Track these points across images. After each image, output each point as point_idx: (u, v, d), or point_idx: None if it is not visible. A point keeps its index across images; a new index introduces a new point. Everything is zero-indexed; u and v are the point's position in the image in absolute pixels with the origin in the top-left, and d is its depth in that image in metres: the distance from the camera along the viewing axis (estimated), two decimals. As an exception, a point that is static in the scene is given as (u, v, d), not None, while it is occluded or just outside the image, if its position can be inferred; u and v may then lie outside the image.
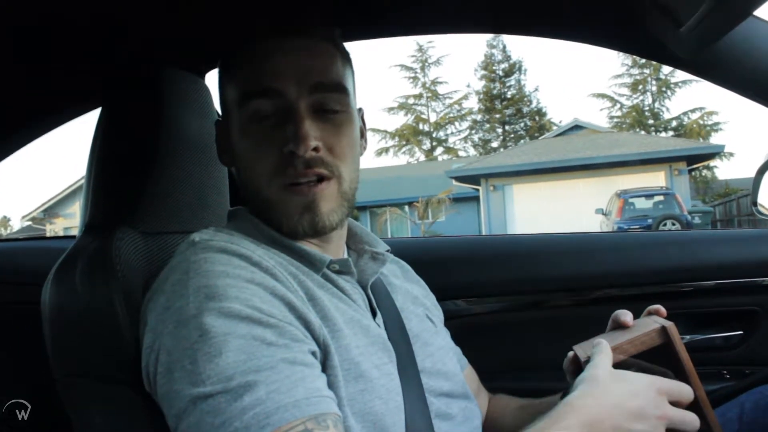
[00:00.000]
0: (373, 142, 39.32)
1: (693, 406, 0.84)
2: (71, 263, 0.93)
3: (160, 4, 1.16)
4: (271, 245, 0.89)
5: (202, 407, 0.69)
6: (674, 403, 0.82)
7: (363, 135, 1.03)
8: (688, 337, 1.54)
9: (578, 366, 0.89)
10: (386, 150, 39.27)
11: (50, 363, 0.91)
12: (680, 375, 0.86)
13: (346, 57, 0.98)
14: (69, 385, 0.90)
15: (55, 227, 24.74)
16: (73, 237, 1.08)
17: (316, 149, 0.87)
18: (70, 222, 24.35)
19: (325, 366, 0.79)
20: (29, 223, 26.14)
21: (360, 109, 1.03)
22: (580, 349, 0.91)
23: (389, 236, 12.76)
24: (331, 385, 0.78)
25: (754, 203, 1.34)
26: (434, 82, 38.84)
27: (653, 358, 0.89)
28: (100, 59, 1.31)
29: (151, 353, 0.77)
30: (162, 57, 1.34)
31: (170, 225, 1.05)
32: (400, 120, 39.55)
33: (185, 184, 1.05)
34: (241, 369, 0.70)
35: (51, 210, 25.81)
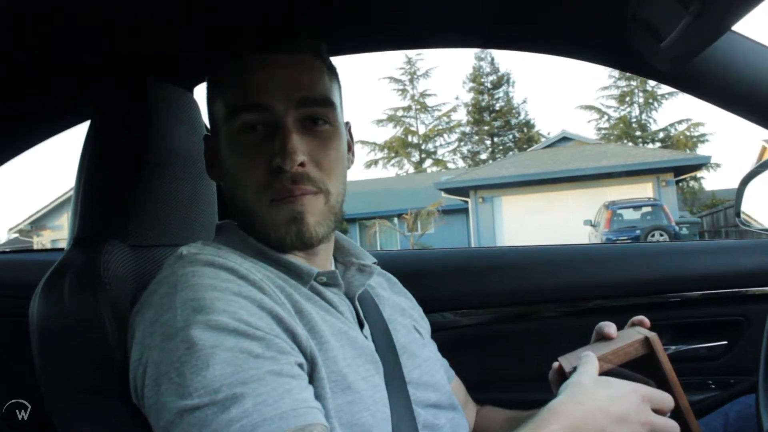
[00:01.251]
0: (362, 154, 39.39)
1: (676, 416, 0.85)
2: (59, 276, 0.93)
3: (150, 17, 1.16)
4: (258, 258, 0.90)
5: (189, 420, 0.69)
6: (657, 411, 0.83)
7: (350, 149, 1.04)
8: (673, 347, 1.55)
9: (563, 377, 0.90)
10: (375, 162, 39.32)
11: (37, 375, 0.90)
12: (663, 385, 0.87)
13: (332, 71, 0.99)
14: (56, 397, 0.90)
15: (43, 239, 24.56)
16: (61, 250, 1.08)
17: (302, 164, 0.88)
18: (58, 234, 24.17)
19: (313, 378, 0.80)
20: (16, 235, 25.91)
21: (347, 123, 1.04)
22: (566, 360, 0.92)
23: (378, 248, 12.76)
24: (319, 396, 0.78)
25: (738, 214, 1.36)
26: (423, 95, 39.00)
27: (637, 369, 0.90)
28: (89, 72, 1.31)
29: (138, 366, 0.77)
30: (151, 71, 1.34)
31: (159, 238, 1.05)
32: (389, 132, 39.69)
33: (174, 198, 1.05)
34: (228, 381, 0.70)
35: (38, 222, 25.62)
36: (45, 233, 25.06)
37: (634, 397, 0.81)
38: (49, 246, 20.33)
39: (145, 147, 1.01)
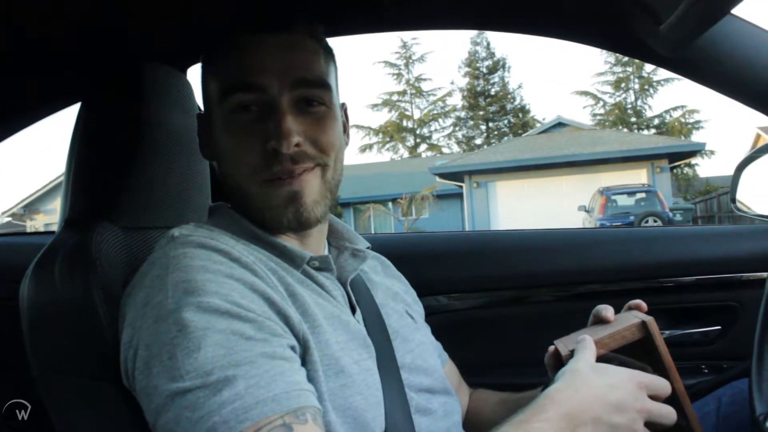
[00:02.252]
0: (357, 138, 39.37)
1: (671, 400, 0.85)
2: (50, 258, 0.92)
3: None
4: (251, 241, 0.90)
5: (180, 402, 0.69)
6: (653, 397, 0.83)
7: (346, 131, 1.04)
8: (667, 332, 1.55)
9: (559, 360, 0.90)
10: (370, 146, 39.33)
11: (28, 359, 0.90)
12: (659, 369, 0.88)
13: (329, 53, 0.99)
14: (47, 381, 0.89)
15: (36, 223, 24.48)
16: (53, 233, 1.07)
17: (298, 144, 0.87)
18: (51, 218, 24.08)
19: (305, 361, 0.79)
20: (9, 219, 25.84)
21: (343, 104, 1.03)
22: (561, 344, 0.92)
23: (372, 232, 12.78)
24: (311, 379, 0.78)
25: (733, 200, 1.36)
26: (418, 79, 38.97)
27: (633, 353, 0.90)
28: (80, 54, 1.29)
29: (129, 348, 0.77)
30: (143, 52, 1.32)
31: (151, 220, 1.04)
32: (384, 117, 39.71)
33: (166, 179, 1.05)
34: (220, 363, 0.70)
35: (31, 206, 25.53)
36: (38, 217, 24.98)
37: (631, 384, 0.82)
38: (42, 230, 20.28)
39: (137, 128, 1.00)
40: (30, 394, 1.33)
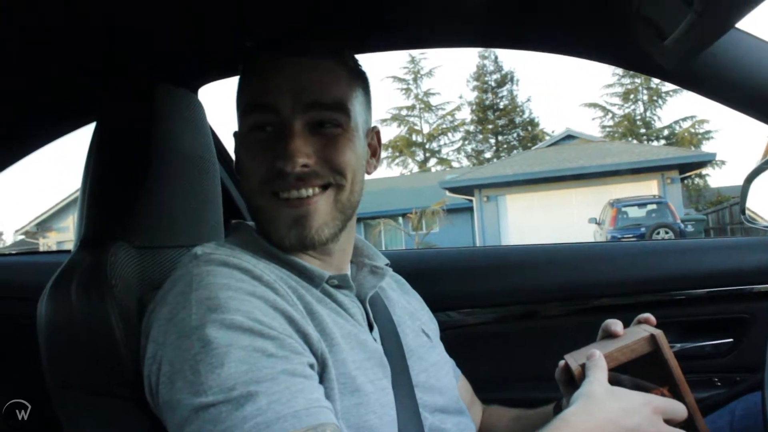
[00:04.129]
0: (367, 153, 39.14)
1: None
2: (67, 278, 0.93)
3: (155, 18, 1.17)
4: (270, 259, 0.91)
5: (203, 416, 0.70)
6: (668, 421, 0.83)
7: (375, 154, 1.04)
8: (678, 345, 1.55)
9: (570, 375, 0.90)
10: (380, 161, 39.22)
11: (45, 376, 0.91)
12: (669, 382, 0.87)
13: (355, 75, 0.99)
14: (64, 398, 0.90)
15: (48, 241, 24.64)
16: (67, 251, 1.08)
17: (305, 165, 0.89)
18: (63, 236, 24.24)
19: (322, 379, 0.80)
20: (23, 237, 26.02)
21: (374, 128, 1.04)
22: (572, 359, 0.92)
23: (384, 248, 12.76)
24: (327, 397, 0.79)
25: (742, 212, 1.36)
26: (427, 94, 39.01)
27: (643, 367, 0.90)
28: (95, 73, 1.32)
29: (153, 363, 0.78)
30: (157, 72, 1.35)
31: (165, 239, 1.05)
32: (393, 131, 39.58)
33: (179, 198, 1.06)
34: (242, 379, 0.71)
35: (44, 224, 25.70)
36: (51, 235, 25.15)
37: (646, 409, 0.82)
38: (54, 248, 20.40)
39: (151, 148, 1.02)
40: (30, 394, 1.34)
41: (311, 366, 0.78)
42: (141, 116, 1.03)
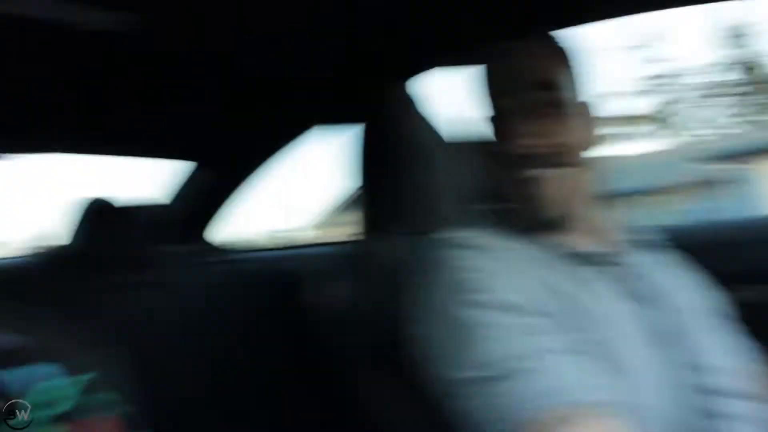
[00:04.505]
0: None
1: None
2: (347, 265, 1.09)
3: (395, 23, 1.27)
4: (518, 238, 0.91)
5: (466, 391, 0.74)
6: None
7: (593, 128, 0.97)
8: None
9: None
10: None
11: (333, 356, 1.08)
12: None
13: (561, 55, 0.95)
14: (357, 376, 1.02)
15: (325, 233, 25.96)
16: (345, 242, 1.35)
17: (531, 146, 0.88)
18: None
19: (584, 357, 0.76)
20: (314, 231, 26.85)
21: (585, 102, 0.97)
22: None
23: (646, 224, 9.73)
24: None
25: None
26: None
27: None
28: (361, 80, 1.49)
29: (415, 342, 0.85)
30: (397, 72, 1.46)
31: (426, 225, 1.08)
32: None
33: (432, 185, 1.10)
34: (506, 356, 0.72)
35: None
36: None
37: None
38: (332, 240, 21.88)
39: (410, 141, 1.09)
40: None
41: (573, 343, 0.76)
42: (398, 115, 1.12)
